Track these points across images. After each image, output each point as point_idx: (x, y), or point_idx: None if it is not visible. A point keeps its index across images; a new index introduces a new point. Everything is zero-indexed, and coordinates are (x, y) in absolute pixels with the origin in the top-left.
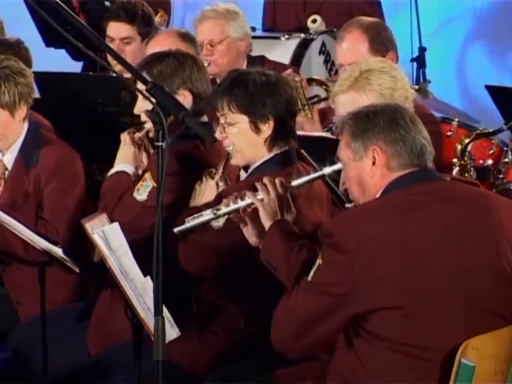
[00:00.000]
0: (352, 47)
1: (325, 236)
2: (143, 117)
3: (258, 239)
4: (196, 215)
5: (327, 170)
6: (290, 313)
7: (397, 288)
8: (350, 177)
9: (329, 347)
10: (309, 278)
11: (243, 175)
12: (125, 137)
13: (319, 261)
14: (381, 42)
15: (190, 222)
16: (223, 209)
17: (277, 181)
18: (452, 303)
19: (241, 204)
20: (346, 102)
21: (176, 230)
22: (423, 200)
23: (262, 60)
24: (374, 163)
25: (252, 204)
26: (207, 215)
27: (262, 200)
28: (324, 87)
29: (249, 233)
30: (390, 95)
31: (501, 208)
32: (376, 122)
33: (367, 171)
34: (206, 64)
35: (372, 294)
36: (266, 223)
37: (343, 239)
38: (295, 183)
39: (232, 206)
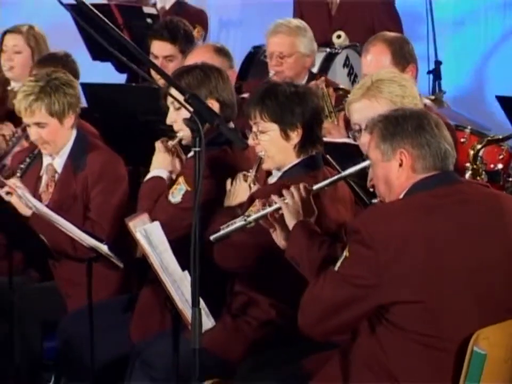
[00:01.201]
0: (376, 59)
1: (351, 231)
2: (175, 127)
3: (286, 242)
4: (229, 223)
5: (345, 173)
6: (316, 299)
7: (418, 283)
8: (377, 175)
9: (353, 332)
10: (336, 268)
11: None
12: (158, 145)
13: (345, 253)
14: (403, 56)
15: (224, 230)
16: (253, 216)
17: (301, 185)
18: (467, 297)
19: (268, 209)
20: (359, 109)
21: (212, 237)
22: (443, 202)
23: (320, 76)
24: (400, 165)
25: (279, 209)
26: (238, 222)
27: (286, 203)
28: (349, 95)
29: (277, 237)
30: (400, 102)
31: None
32: (404, 127)
33: (393, 172)
34: (271, 74)
35: (395, 288)
36: (291, 223)
37: (369, 236)
38: (316, 187)
39: (261, 212)
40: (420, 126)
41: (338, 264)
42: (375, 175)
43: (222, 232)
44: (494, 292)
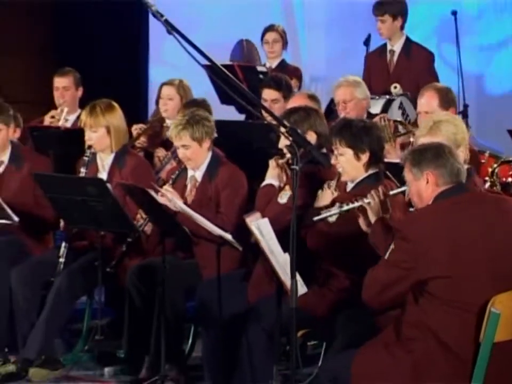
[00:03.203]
0: (427, 101)
1: (396, 229)
2: (285, 150)
3: (368, 227)
4: (326, 210)
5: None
6: (373, 279)
7: (445, 264)
8: (412, 191)
9: (402, 302)
10: (386, 257)
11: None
12: (272, 162)
13: (392, 246)
14: (447, 101)
15: (324, 214)
16: (345, 207)
17: (380, 189)
18: (484, 273)
19: (356, 204)
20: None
21: (315, 218)
22: (461, 206)
23: (373, 116)
24: (427, 182)
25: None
26: (334, 210)
27: (369, 203)
28: (403, 126)
29: (362, 223)
30: (454, 138)
31: None
32: (425, 156)
33: (423, 187)
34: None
35: (429, 268)
36: (372, 219)
37: (407, 233)
38: (392, 192)
39: (351, 205)
40: (437, 153)
41: (387, 254)
42: (410, 191)
43: (322, 215)
44: (504, 268)
